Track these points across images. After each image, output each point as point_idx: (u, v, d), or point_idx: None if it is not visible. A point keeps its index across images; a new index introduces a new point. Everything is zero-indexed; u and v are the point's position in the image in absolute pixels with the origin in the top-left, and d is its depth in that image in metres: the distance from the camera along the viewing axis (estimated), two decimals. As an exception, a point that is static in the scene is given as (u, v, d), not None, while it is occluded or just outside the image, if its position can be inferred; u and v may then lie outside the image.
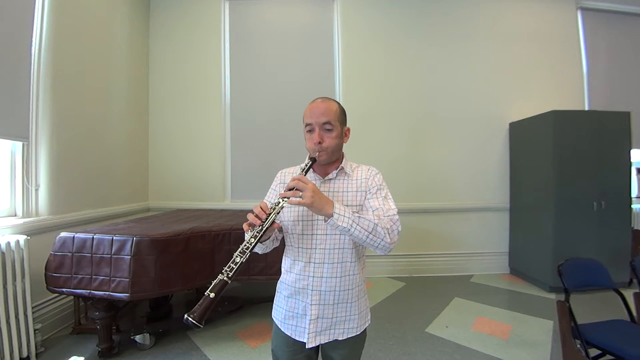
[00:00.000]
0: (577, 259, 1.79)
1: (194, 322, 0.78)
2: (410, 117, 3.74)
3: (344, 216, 0.88)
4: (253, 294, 3.06)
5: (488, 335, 2.30)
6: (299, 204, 0.87)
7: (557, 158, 3.08)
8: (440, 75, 3.78)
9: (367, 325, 1.09)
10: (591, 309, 2.64)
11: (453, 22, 3.81)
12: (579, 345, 1.55)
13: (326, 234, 0.99)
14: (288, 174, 1.12)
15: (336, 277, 0.99)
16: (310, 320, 0.98)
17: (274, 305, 1.11)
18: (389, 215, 0.96)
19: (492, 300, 2.94)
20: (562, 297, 1.67)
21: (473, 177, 3.77)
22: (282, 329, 1.04)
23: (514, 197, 3.71)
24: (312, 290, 0.99)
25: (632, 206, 3.24)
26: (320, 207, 0.87)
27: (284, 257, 1.10)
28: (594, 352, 1.58)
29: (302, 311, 1.01)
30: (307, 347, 0.99)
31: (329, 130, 1.00)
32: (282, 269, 1.10)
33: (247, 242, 0.87)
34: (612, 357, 1.51)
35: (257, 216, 0.89)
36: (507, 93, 3.82)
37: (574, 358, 1.54)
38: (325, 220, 0.89)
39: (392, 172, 3.65)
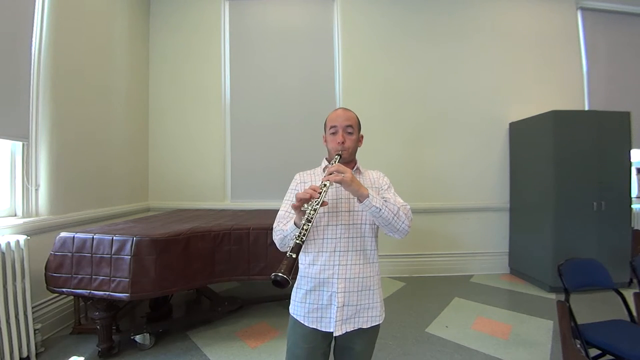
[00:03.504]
0: (577, 259, 1.79)
1: (284, 276, 0.83)
2: (410, 117, 3.74)
3: (376, 198, 1.01)
4: (253, 294, 3.06)
5: (488, 335, 2.30)
6: (341, 180, 0.97)
7: (557, 158, 3.08)
8: (441, 76, 3.78)
9: (384, 315, 1.14)
10: (591, 309, 2.64)
11: (453, 23, 3.81)
12: (579, 345, 1.55)
13: (349, 224, 1.08)
14: (307, 175, 1.23)
15: (360, 264, 1.08)
16: (337, 307, 1.04)
17: (292, 303, 1.14)
18: (403, 205, 1.09)
19: (492, 300, 2.94)
20: (562, 297, 1.67)
21: (473, 177, 3.77)
22: (306, 324, 1.08)
23: (514, 197, 3.71)
24: (337, 279, 1.05)
25: (632, 206, 3.24)
26: (357, 186, 0.99)
27: (302, 254, 1.13)
28: (594, 352, 1.58)
29: (327, 301, 1.06)
30: (334, 335, 1.05)
31: (350, 133, 1.15)
32: (301, 266, 1.14)
33: (308, 214, 0.95)
34: (612, 357, 1.51)
35: (310, 195, 0.97)
36: (507, 93, 3.82)
37: (574, 358, 1.54)
38: (360, 201, 1.00)
39: (393, 172, 3.60)
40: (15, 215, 2.20)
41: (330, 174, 0.98)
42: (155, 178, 3.69)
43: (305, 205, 0.97)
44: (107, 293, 1.83)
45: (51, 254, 1.93)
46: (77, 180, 2.57)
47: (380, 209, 0.99)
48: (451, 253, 3.74)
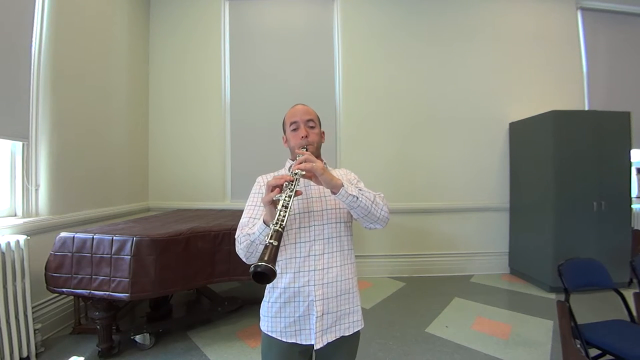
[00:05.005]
0: (577, 259, 1.79)
1: (268, 265, 0.69)
2: (410, 117, 3.74)
3: (351, 187, 0.93)
4: (253, 294, 3.06)
5: (488, 335, 2.30)
6: (312, 168, 0.88)
7: (557, 158, 3.08)
8: (441, 75, 3.78)
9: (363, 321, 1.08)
10: (591, 309, 2.64)
11: (453, 22, 3.81)
12: (579, 345, 1.55)
13: (323, 224, 1.00)
14: (271, 177, 1.10)
15: (337, 266, 1.00)
16: (317, 317, 0.95)
17: (264, 319, 1.04)
18: (377, 193, 1.02)
19: (492, 300, 2.94)
20: (562, 297, 1.67)
21: (473, 177, 3.77)
22: (285, 339, 0.99)
23: (514, 197, 3.71)
24: (314, 286, 0.96)
25: (632, 206, 3.24)
26: (330, 177, 0.90)
27: None
28: (594, 352, 1.58)
29: (305, 312, 0.97)
30: (315, 348, 0.96)
31: (312, 127, 1.09)
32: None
33: (284, 200, 0.82)
34: (612, 357, 1.51)
35: (284, 180, 0.87)
36: (507, 93, 3.82)
37: (574, 358, 1.54)
38: (334, 192, 0.91)
39: (392, 171, 3.65)
40: (15, 215, 2.20)
41: (300, 164, 0.89)
42: (155, 178, 3.69)
43: (277, 196, 0.85)
44: (107, 293, 1.83)
45: (51, 254, 1.93)
46: (77, 180, 2.57)
47: (358, 197, 0.92)
48: (451, 253, 3.74)
